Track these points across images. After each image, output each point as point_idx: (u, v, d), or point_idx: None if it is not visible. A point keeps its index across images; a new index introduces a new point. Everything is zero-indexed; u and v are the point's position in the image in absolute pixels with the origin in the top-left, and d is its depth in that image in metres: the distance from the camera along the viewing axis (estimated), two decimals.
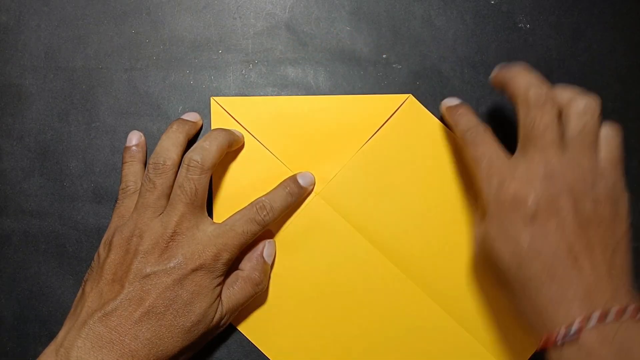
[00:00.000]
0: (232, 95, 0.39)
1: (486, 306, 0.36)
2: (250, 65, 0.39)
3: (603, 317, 0.24)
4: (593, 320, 0.24)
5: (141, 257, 0.31)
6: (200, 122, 0.38)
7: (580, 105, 0.30)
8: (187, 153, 0.34)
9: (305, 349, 0.36)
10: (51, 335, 0.36)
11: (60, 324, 0.36)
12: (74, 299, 0.37)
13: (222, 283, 0.33)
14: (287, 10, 0.40)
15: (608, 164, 0.30)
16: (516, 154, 0.30)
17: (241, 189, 0.37)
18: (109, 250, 0.32)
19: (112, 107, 0.39)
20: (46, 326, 0.36)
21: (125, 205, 0.34)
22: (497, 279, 0.30)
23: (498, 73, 0.34)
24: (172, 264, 0.31)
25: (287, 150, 0.37)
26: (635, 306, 0.25)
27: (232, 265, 0.34)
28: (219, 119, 0.38)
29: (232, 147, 0.36)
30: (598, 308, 0.25)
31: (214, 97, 0.38)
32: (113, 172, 0.38)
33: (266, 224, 0.34)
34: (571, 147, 0.29)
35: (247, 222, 0.33)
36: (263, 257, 0.35)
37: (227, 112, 0.38)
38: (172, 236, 0.31)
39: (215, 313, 0.32)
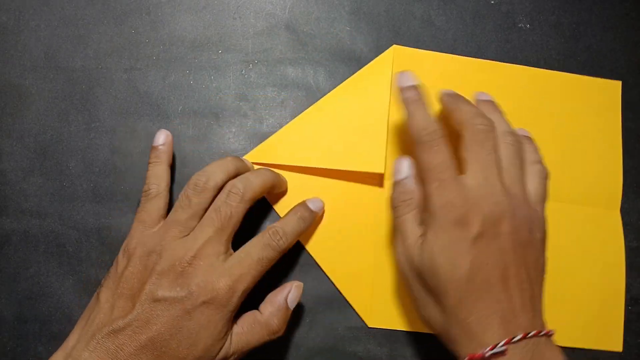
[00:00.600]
0: (232, 95, 0.39)
1: None
2: (250, 65, 0.39)
3: (524, 338, 0.27)
4: (516, 339, 0.27)
5: (155, 278, 0.30)
6: (252, 167, 0.37)
7: (509, 138, 0.32)
8: (228, 182, 0.33)
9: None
10: (51, 335, 0.36)
11: (60, 324, 0.36)
12: (73, 299, 0.37)
13: (232, 318, 0.32)
14: (287, 10, 0.40)
15: (538, 197, 0.32)
16: (466, 173, 0.31)
17: None
18: (128, 261, 0.31)
19: (112, 107, 0.39)
20: (46, 326, 0.36)
21: (147, 210, 0.33)
22: (429, 290, 0.30)
23: (443, 99, 0.35)
24: (183, 293, 0.30)
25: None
26: (547, 331, 0.28)
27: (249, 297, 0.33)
28: (398, 69, 0.37)
29: (275, 190, 0.36)
30: (521, 330, 0.28)
31: (396, 46, 0.39)
32: (113, 172, 0.38)
33: (281, 249, 0.33)
34: (506, 174, 0.31)
35: (262, 249, 0.32)
36: (286, 303, 0.33)
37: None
38: (191, 261, 0.31)
39: (221, 349, 0.31)
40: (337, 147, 0.38)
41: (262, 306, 0.33)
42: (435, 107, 0.36)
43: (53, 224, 0.37)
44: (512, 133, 0.33)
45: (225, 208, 0.32)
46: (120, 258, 0.32)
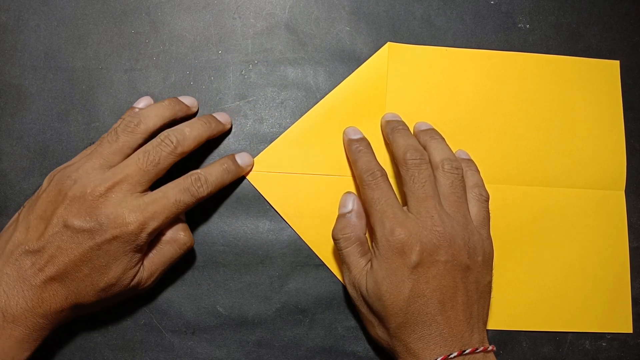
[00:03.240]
0: (232, 95, 0.39)
1: None
2: (250, 65, 0.39)
3: (460, 355, 0.30)
4: (452, 356, 0.30)
5: (67, 204, 0.31)
6: (195, 109, 0.38)
7: (447, 166, 0.34)
8: (165, 130, 0.33)
9: None
10: (51, 335, 0.36)
11: None
12: None
13: (142, 250, 0.32)
14: (287, 10, 0.40)
15: (480, 221, 0.34)
16: (407, 206, 0.33)
17: None
18: (48, 184, 0.32)
19: (112, 107, 0.39)
20: None
21: (93, 149, 0.34)
22: (375, 313, 0.33)
23: (384, 125, 0.38)
24: (92, 224, 0.30)
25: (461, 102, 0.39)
26: (483, 347, 0.31)
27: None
28: (394, 65, 0.39)
29: (212, 137, 0.36)
30: (457, 348, 0.30)
31: (391, 43, 0.39)
32: None
33: (200, 197, 0.33)
34: (445, 202, 0.33)
35: (180, 192, 0.33)
36: (180, 217, 0.34)
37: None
38: (104, 192, 0.31)
39: (134, 277, 0.32)
40: (337, 152, 0.38)
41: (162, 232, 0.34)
42: (435, 98, 0.37)
43: None
44: (451, 160, 0.34)
45: (154, 153, 0.32)
46: (45, 180, 0.33)
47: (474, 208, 0.34)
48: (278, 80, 0.39)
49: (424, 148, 0.36)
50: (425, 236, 0.31)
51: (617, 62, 0.41)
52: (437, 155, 0.35)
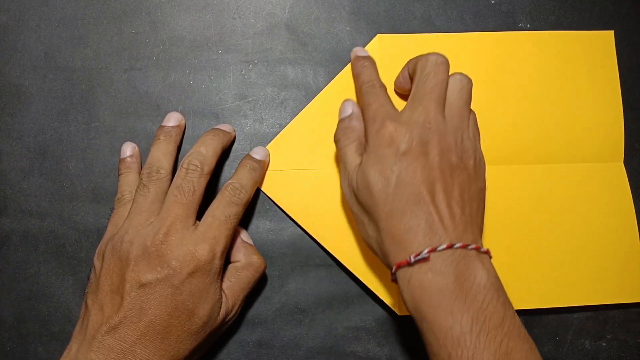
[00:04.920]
0: (232, 95, 0.39)
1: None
2: (250, 65, 0.39)
3: (449, 248, 0.28)
4: (440, 249, 0.28)
5: (133, 265, 0.30)
6: (183, 126, 0.38)
7: (457, 77, 0.33)
8: (184, 158, 0.33)
9: None
10: (51, 335, 0.36)
11: (60, 324, 0.36)
12: (73, 299, 0.37)
13: (220, 279, 0.33)
14: (287, 10, 0.40)
15: (475, 132, 0.34)
16: (404, 107, 0.33)
17: None
18: (103, 259, 0.32)
19: (112, 107, 0.39)
20: (46, 326, 0.36)
21: (120, 214, 0.34)
22: (364, 208, 0.32)
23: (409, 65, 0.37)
24: (165, 272, 0.30)
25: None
26: (475, 245, 0.29)
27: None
28: (386, 57, 0.39)
29: (225, 148, 0.36)
30: (446, 241, 0.29)
31: (380, 35, 0.39)
32: (112, 172, 0.38)
33: (244, 202, 0.34)
34: (448, 108, 0.33)
35: (226, 207, 0.33)
36: (247, 242, 0.35)
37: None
38: (163, 239, 0.31)
39: (220, 310, 0.32)
40: (333, 148, 0.38)
41: (233, 257, 0.35)
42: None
43: (53, 224, 0.37)
44: (464, 75, 0.34)
45: (187, 184, 0.32)
46: (96, 261, 0.32)
47: (471, 123, 0.34)
48: (278, 80, 0.39)
49: None
50: (416, 129, 0.31)
51: (612, 32, 0.41)
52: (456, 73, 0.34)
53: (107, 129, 0.38)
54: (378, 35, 0.40)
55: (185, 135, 0.38)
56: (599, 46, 0.40)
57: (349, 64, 0.39)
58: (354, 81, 0.38)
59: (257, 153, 0.37)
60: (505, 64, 0.40)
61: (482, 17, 0.41)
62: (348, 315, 0.37)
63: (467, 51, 0.40)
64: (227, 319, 0.33)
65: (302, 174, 0.38)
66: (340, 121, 0.35)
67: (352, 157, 0.33)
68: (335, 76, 0.39)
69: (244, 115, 0.39)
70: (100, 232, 0.37)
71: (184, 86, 0.39)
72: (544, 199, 0.38)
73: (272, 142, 0.38)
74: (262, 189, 0.38)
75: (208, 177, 0.33)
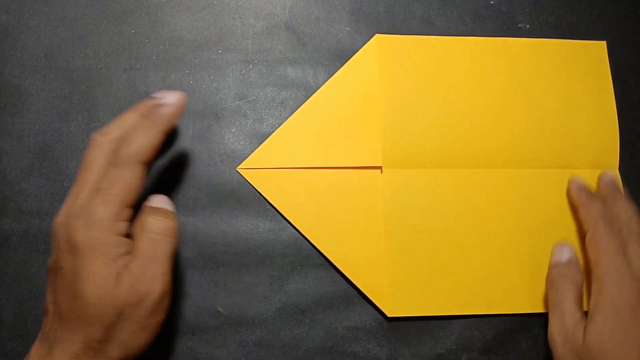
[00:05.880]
0: (232, 95, 0.39)
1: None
2: (250, 65, 0.39)
3: None
4: None
5: None
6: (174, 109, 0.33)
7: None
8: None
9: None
10: None
11: None
12: None
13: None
14: (287, 10, 0.40)
15: None
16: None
17: None
18: None
19: (112, 107, 0.38)
20: None
21: None
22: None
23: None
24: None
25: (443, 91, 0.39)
26: None
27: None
28: (384, 57, 0.39)
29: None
30: None
31: (379, 35, 0.39)
32: None
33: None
34: None
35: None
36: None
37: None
38: None
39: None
40: (332, 145, 0.38)
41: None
42: (426, 86, 0.39)
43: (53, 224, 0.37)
44: (635, 219, 0.33)
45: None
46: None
47: None
48: (278, 80, 0.39)
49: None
50: None
51: (604, 43, 0.41)
52: (624, 217, 0.34)
53: None
54: (376, 35, 0.40)
55: (185, 135, 0.38)
56: (592, 56, 0.41)
57: (348, 62, 0.39)
58: (580, 217, 0.37)
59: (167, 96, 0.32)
60: (501, 70, 0.40)
61: (481, 17, 0.41)
62: (348, 315, 0.37)
63: (464, 55, 0.40)
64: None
65: (297, 173, 0.38)
66: (558, 265, 0.35)
67: (573, 310, 0.32)
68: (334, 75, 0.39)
69: (244, 115, 0.39)
70: None
71: (184, 86, 0.39)
72: (539, 203, 0.39)
73: (265, 141, 0.38)
74: (255, 186, 0.38)
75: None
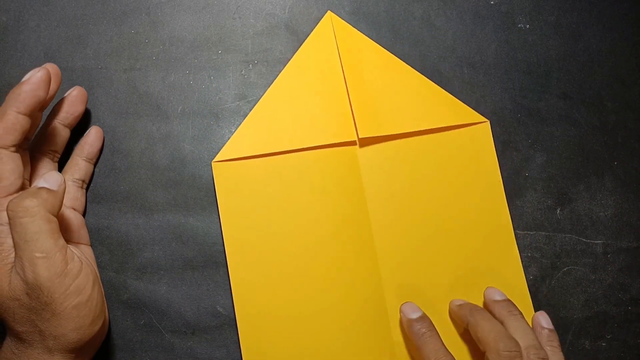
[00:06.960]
0: (232, 95, 0.39)
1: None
2: (250, 65, 0.39)
3: None
4: None
5: None
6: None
7: (533, 356, 0.32)
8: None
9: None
10: None
11: None
12: None
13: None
14: (286, 10, 0.40)
15: None
16: None
17: None
18: None
19: (112, 107, 0.39)
20: None
21: None
22: None
23: (457, 310, 0.36)
24: None
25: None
26: None
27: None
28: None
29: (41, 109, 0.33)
30: None
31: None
32: (112, 172, 0.38)
33: None
34: None
35: None
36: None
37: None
38: None
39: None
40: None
41: None
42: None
43: None
44: (536, 348, 0.33)
45: None
46: None
47: None
48: None
49: (501, 322, 0.35)
50: None
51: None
52: (521, 339, 0.33)
53: (107, 129, 0.38)
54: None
55: (185, 135, 0.38)
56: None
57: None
58: (417, 351, 0.35)
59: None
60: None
61: (481, 17, 0.41)
62: None
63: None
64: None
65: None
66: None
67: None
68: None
69: (244, 115, 0.39)
70: (100, 232, 0.37)
71: (183, 86, 0.39)
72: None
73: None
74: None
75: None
